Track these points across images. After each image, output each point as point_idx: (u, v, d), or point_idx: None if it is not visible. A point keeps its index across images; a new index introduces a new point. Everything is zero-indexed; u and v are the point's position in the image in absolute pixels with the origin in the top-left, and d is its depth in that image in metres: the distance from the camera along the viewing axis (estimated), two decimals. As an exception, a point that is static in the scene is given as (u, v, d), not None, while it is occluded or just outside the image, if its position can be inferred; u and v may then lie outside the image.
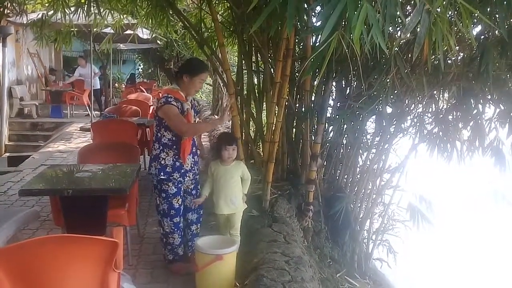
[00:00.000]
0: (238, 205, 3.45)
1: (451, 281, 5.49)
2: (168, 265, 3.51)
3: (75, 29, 7.07)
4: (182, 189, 3.41)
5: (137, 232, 4.16)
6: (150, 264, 3.67)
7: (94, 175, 3.41)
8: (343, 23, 2.08)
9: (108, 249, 2.08)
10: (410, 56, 3.97)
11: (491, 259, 6.04)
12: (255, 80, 5.31)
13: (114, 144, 4.57)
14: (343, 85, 4.61)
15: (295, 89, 4.74)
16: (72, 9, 5.12)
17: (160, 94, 12.03)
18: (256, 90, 5.27)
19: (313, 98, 4.61)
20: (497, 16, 3.14)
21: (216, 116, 10.96)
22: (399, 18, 2.38)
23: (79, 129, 10.00)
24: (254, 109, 5.29)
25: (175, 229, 3.41)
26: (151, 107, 8.42)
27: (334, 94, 4.65)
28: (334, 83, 4.48)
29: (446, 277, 5.55)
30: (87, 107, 11.36)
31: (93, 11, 5.57)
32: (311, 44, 4.12)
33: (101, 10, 5.66)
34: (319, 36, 2.22)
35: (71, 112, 11.93)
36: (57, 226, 3.63)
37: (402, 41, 3.91)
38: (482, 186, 4.88)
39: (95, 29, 7.76)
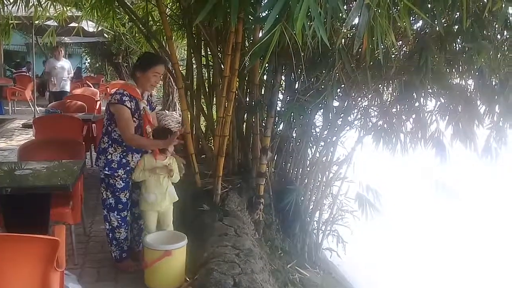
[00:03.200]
0: (173, 197, 3.41)
1: (399, 268, 5.70)
2: (116, 263, 3.43)
3: (15, 21, 6.75)
4: (130, 183, 3.34)
5: (83, 230, 4.03)
6: (97, 262, 3.57)
7: (37, 173, 3.27)
8: (286, 15, 2.09)
9: (49, 247, 2.00)
10: (355, 52, 4.07)
11: (435, 247, 6.32)
12: (205, 75, 5.28)
13: (58, 141, 4.40)
14: (292, 79, 4.67)
15: (245, 83, 4.76)
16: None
17: (108, 89, 11.84)
18: (206, 85, 5.24)
19: (262, 92, 4.63)
20: (435, 12, 3.28)
21: (166, 112, 10.83)
22: (342, 14, 2.44)
23: (21, 125, 9.55)
24: (204, 104, 5.26)
25: (122, 223, 3.35)
26: (98, 102, 8.17)
27: (283, 88, 4.70)
28: (283, 77, 4.53)
29: (393, 265, 5.76)
30: (29, 102, 10.87)
31: (33, 2, 5.34)
32: (259, 38, 4.14)
33: (42, 1, 5.43)
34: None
35: (13, 108, 11.37)
36: (-4, 226, 3.45)
37: (347, 36, 4.01)
38: (424, 177, 5.10)
39: (36, 22, 7.40)
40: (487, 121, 4.41)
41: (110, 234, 3.37)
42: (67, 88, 9.61)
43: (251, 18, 3.59)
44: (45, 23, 7.56)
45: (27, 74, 14.84)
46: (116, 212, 3.32)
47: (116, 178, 3.26)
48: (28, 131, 8.74)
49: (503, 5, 3.11)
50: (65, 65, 9.55)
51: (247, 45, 4.52)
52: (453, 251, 6.22)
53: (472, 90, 4.34)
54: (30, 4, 5.28)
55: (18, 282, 2.00)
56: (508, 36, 3.66)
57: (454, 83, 4.44)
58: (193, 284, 3.10)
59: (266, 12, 1.99)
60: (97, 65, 18.79)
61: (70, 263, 3.32)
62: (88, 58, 19.47)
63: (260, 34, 4.15)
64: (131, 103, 3.20)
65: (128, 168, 3.29)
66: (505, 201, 7.29)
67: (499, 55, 3.84)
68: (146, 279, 3.18)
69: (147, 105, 3.32)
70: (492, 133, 4.47)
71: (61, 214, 3.39)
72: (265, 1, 2.08)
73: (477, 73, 4.01)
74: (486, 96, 4.17)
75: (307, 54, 3.91)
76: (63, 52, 10.02)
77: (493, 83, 4.06)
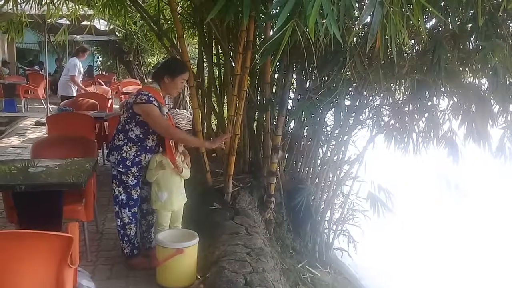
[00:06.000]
0: (184, 196, 3.44)
1: (409, 269, 5.66)
2: (128, 260, 3.46)
3: (28, 20, 6.80)
4: (141, 180, 3.37)
5: (95, 228, 4.06)
6: (109, 260, 3.59)
7: (50, 170, 3.30)
8: (299, 11, 2.08)
9: (63, 244, 2.02)
10: (367, 50, 4.05)
11: (448, 247, 6.27)
12: (216, 73, 5.28)
13: (70, 138, 4.44)
14: (303, 78, 4.65)
15: (256, 81, 4.75)
16: (24, -2, 4.92)
17: (119, 87, 11.90)
18: (217, 83, 5.24)
19: (273, 91, 4.63)
20: (449, 10, 3.24)
21: (177, 110, 10.84)
22: (354, 11, 2.43)
23: (34, 123, 9.65)
24: (215, 102, 5.27)
25: (133, 220, 3.39)
26: (110, 101, 8.20)
27: (294, 86, 4.69)
28: (294, 76, 4.51)
29: (404, 265, 5.72)
30: (42, 101, 10.97)
31: (46, 1, 5.38)
32: (271, 36, 4.13)
33: (55, 0, 5.48)
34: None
35: (26, 106, 11.49)
36: (10, 223, 3.50)
37: (359, 34, 3.98)
38: (437, 176, 5.05)
39: (49, 20, 7.46)
40: (501, 120, 4.36)
41: (122, 231, 3.40)
42: (73, 92, 8.25)
43: (263, 16, 3.58)
44: (58, 21, 7.62)
45: (40, 72, 14.98)
46: (127, 208, 3.35)
47: (129, 175, 3.29)
48: (41, 129, 8.83)
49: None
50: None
51: (258, 43, 4.52)
52: (464, 251, 6.16)
53: (485, 89, 4.28)
54: (43, 2, 5.33)
55: (32, 278, 2.02)
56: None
57: (468, 82, 4.40)
58: (205, 282, 3.11)
59: (278, 9, 1.98)
60: (109, 63, 18.88)
61: (83, 260, 3.35)
62: (99, 57, 19.59)
63: (271, 32, 4.16)
64: (157, 105, 3.23)
65: (140, 166, 3.31)
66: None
67: (513, 54, 3.78)
68: (158, 276, 3.20)
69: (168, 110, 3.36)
70: (506, 132, 4.41)
71: (74, 211, 3.42)
72: (277, -2, 2.07)
73: (491, 72, 3.96)
74: (500, 95, 4.11)
75: (319, 53, 3.89)
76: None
77: (507, 82, 4.00)
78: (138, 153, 3.29)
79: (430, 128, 4.51)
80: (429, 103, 4.36)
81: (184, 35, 5.37)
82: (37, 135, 8.36)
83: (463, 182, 5.14)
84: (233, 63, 4.40)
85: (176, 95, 3.48)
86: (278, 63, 4.31)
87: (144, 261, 3.43)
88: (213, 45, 5.06)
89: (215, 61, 5.15)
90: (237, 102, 4.09)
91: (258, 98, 4.78)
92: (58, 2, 5.62)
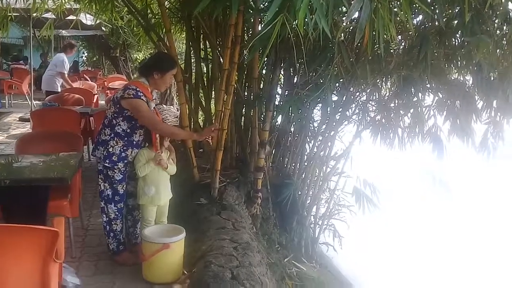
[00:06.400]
0: (170, 191, 3.44)
1: (395, 263, 5.72)
2: (114, 256, 3.43)
3: (13, 14, 6.69)
4: (127, 175, 3.35)
5: (80, 223, 4.03)
6: (94, 256, 3.56)
7: (34, 165, 3.26)
8: (288, 5, 2.08)
9: (48, 239, 2.00)
10: (354, 45, 4.07)
11: (432, 242, 6.35)
12: (204, 68, 5.26)
13: (56, 133, 4.38)
14: (291, 73, 4.66)
15: (244, 77, 4.75)
16: (9, -9, 4.82)
17: (106, 83, 11.78)
18: (204, 78, 5.22)
19: (261, 86, 4.63)
20: (436, 6, 3.27)
21: (164, 106, 10.79)
22: (343, 6, 2.43)
23: (18, 119, 9.50)
24: (203, 97, 5.25)
25: (119, 215, 3.36)
26: (96, 96, 8.12)
27: (282, 82, 4.70)
28: (282, 71, 4.52)
29: (389, 259, 5.78)
30: (26, 96, 10.81)
31: (31, -6, 5.30)
32: (259, 30, 4.13)
33: (41, -7, 5.39)
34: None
35: (10, 101, 11.30)
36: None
37: (347, 30, 4.00)
38: (422, 171, 5.11)
39: (34, 14, 7.34)
40: (485, 116, 4.42)
41: (108, 226, 3.37)
42: (57, 87, 8.19)
43: (251, 10, 3.58)
44: (43, 15, 7.50)
45: (24, 67, 14.76)
46: (113, 203, 3.33)
47: (115, 170, 3.26)
48: (25, 125, 8.71)
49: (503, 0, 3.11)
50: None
51: (246, 38, 4.51)
52: (448, 245, 6.25)
53: (470, 85, 4.34)
54: (29, -4, 5.25)
55: (18, 273, 2.00)
56: (507, 31, 3.65)
57: (453, 78, 4.45)
58: (191, 277, 3.10)
59: (267, 3, 1.98)
60: (95, 58, 18.68)
61: (68, 256, 3.30)
62: (85, 52, 19.36)
63: (260, 28, 4.16)
64: (145, 99, 3.21)
65: (126, 161, 3.29)
66: (501, 197, 7.34)
67: (498, 50, 3.84)
68: (144, 272, 3.18)
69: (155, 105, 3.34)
70: (489, 128, 4.49)
71: (59, 207, 3.38)
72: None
73: (475, 68, 4.01)
74: (484, 91, 4.17)
75: (307, 48, 3.90)
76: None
77: (492, 78, 4.06)
78: (125, 148, 3.27)
79: (415, 124, 4.56)
80: (415, 99, 4.40)
81: (172, 30, 5.33)
82: (21, 131, 8.23)
83: (447, 177, 5.21)
84: (221, 58, 4.38)
85: (164, 90, 3.46)
86: (266, 59, 4.31)
87: (130, 257, 3.40)
88: (201, 40, 5.04)
89: (203, 56, 5.12)
90: (225, 97, 4.08)
91: (246, 93, 4.77)
92: (44, -5, 5.55)
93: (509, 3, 3.32)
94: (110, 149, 3.24)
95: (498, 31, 3.80)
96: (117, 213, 3.35)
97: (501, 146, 4.55)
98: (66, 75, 8.17)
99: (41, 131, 5.05)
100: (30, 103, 10.01)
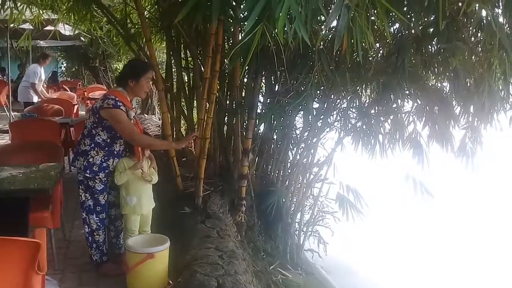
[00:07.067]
0: (152, 200, 3.44)
1: (380, 268, 5.76)
2: (97, 268, 3.40)
3: (-11, 24, 6.60)
4: (108, 185, 3.32)
5: (62, 235, 3.97)
6: (78, 267, 3.52)
7: (14, 177, 3.21)
8: (267, 14, 2.12)
9: (30, 250, 1.97)
10: (334, 53, 4.13)
11: (415, 247, 6.42)
12: (185, 77, 5.26)
13: (35, 144, 4.33)
14: (272, 81, 4.70)
15: (226, 85, 4.77)
16: (-15, 2, 4.76)
17: (85, 93, 11.66)
18: (186, 87, 5.22)
19: (243, 94, 4.65)
20: (412, 14, 3.35)
21: (145, 115, 10.73)
22: (322, 15, 2.48)
23: (-5, 131, 9.32)
24: (185, 106, 5.24)
25: (101, 225, 3.34)
26: (76, 106, 8.03)
27: (264, 90, 4.73)
28: (263, 79, 4.55)
29: (374, 264, 5.82)
30: (4, 107, 10.62)
31: (8, 5, 5.24)
32: (240, 39, 4.16)
33: (18, 4, 5.33)
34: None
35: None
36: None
37: (326, 38, 4.05)
38: (403, 177, 5.17)
39: (12, 25, 7.24)
40: (463, 121, 4.52)
41: (90, 237, 3.34)
42: (34, 99, 8.26)
43: (231, 20, 3.61)
44: (21, 26, 7.41)
45: (2, 78, 14.52)
46: (95, 214, 3.31)
47: (96, 181, 3.24)
48: (3, 136, 8.52)
49: (477, 7, 3.20)
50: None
51: (227, 47, 4.54)
52: (431, 250, 6.33)
53: (447, 91, 4.44)
54: (6, 6, 5.18)
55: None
56: (482, 38, 3.75)
57: (431, 84, 4.54)
58: (177, 286, 3.08)
59: (247, 12, 2.00)
60: (74, 69, 18.48)
61: (50, 268, 3.23)
62: (64, 62, 19.15)
63: (240, 37, 4.19)
64: (124, 109, 3.19)
65: (107, 171, 3.27)
66: (482, 201, 7.48)
67: (473, 57, 3.94)
68: (129, 282, 3.15)
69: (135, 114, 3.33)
70: (467, 133, 4.58)
71: (41, 218, 3.34)
72: (246, 1, 2.10)
73: (452, 74, 4.11)
74: (461, 97, 4.28)
75: (287, 56, 3.94)
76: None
77: (468, 84, 4.16)
78: (106, 158, 3.25)
79: (395, 130, 4.63)
80: (394, 105, 4.48)
81: (152, 40, 5.33)
82: (-1, 142, 8.08)
83: (428, 183, 5.28)
84: (202, 67, 4.40)
85: (144, 96, 3.46)
86: (247, 67, 4.34)
87: (114, 268, 3.38)
88: (182, 49, 5.04)
89: (184, 65, 5.13)
90: (207, 105, 4.09)
91: (228, 101, 4.79)
92: (22, 6, 5.48)
93: (483, 10, 3.41)
94: (90, 159, 3.22)
95: (473, 38, 3.91)
96: (99, 223, 3.32)
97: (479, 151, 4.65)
98: (39, 87, 8.06)
99: (20, 142, 4.98)
100: (8, 114, 9.83)
